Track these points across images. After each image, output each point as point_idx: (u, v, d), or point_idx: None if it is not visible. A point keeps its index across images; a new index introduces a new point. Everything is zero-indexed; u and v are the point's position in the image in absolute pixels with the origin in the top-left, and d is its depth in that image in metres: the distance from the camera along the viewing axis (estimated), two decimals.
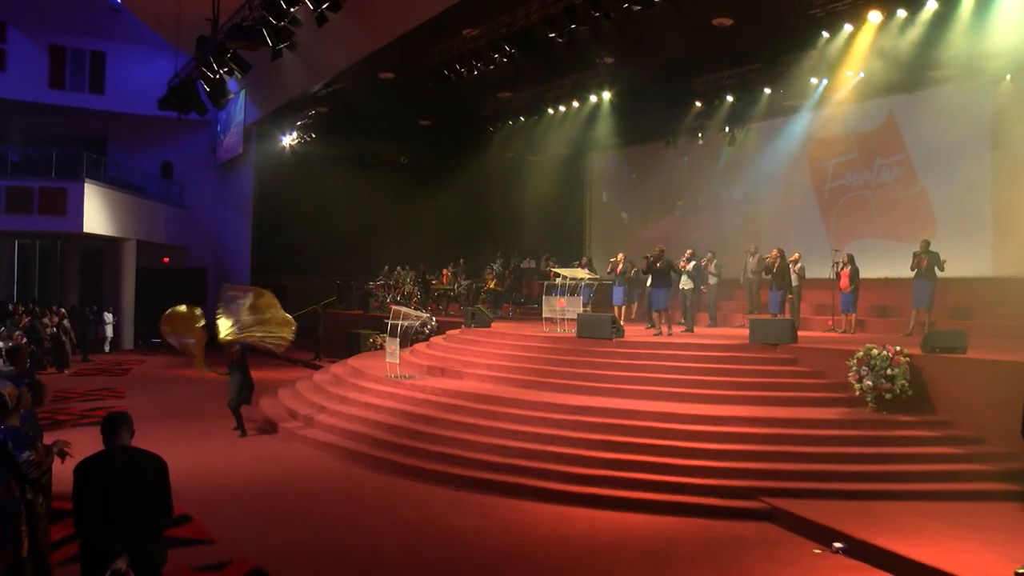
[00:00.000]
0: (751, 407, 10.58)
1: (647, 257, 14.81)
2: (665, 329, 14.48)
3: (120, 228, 26.25)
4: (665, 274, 14.45)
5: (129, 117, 29.09)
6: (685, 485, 8.93)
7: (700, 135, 22.79)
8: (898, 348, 10.47)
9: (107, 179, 26.19)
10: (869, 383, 10.33)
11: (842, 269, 15.50)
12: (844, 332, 15.33)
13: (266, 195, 27.58)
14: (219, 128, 29.63)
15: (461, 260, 24.95)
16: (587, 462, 9.51)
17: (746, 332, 15.42)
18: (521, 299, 23.87)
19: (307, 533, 7.91)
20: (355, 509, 8.70)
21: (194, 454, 11.08)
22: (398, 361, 13.28)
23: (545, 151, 26.07)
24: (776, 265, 15.76)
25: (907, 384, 10.22)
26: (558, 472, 9.40)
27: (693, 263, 16.15)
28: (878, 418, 10.12)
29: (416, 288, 24.08)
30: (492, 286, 23.38)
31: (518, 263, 25.04)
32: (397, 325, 13.28)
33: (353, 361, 15.91)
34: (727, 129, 22.08)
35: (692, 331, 15.29)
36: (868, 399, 10.39)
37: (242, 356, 12.91)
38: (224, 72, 14.21)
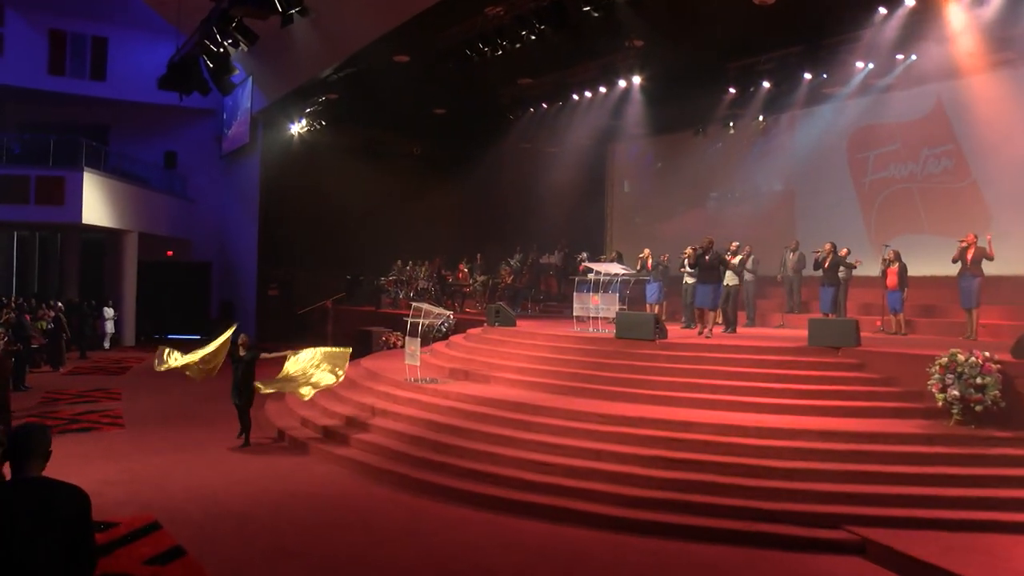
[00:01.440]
0: (819, 418, 9.36)
1: (694, 248, 13.57)
2: (713, 329, 13.28)
3: (121, 219, 25.10)
4: (714, 268, 13.21)
5: (131, 105, 28.03)
6: (757, 511, 7.71)
7: (731, 124, 21.65)
8: (987, 354, 9.25)
9: (108, 169, 25.04)
10: (956, 393, 9.10)
11: (889, 266, 14.33)
12: (895, 333, 14.14)
13: (273, 186, 26.39)
14: (225, 116, 28.49)
15: (479, 255, 23.79)
16: (641, 482, 8.30)
17: (790, 332, 14.35)
18: (540, 296, 22.69)
19: (320, 572, 6.69)
20: (376, 541, 7.44)
21: (192, 468, 9.89)
22: (419, 363, 12.06)
23: (565, 142, 24.84)
24: (828, 260, 14.55)
25: (999, 395, 9.00)
26: (608, 494, 8.18)
27: (739, 257, 14.96)
28: (968, 433, 8.87)
29: (431, 284, 22.92)
30: (509, 281, 22.19)
31: (536, 258, 23.86)
32: (418, 323, 12.07)
33: (367, 362, 14.71)
34: (760, 118, 20.92)
35: (735, 331, 14.10)
36: (953, 411, 9.16)
37: (251, 356, 11.66)
38: (228, 44, 12.96)
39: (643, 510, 7.90)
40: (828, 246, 14.84)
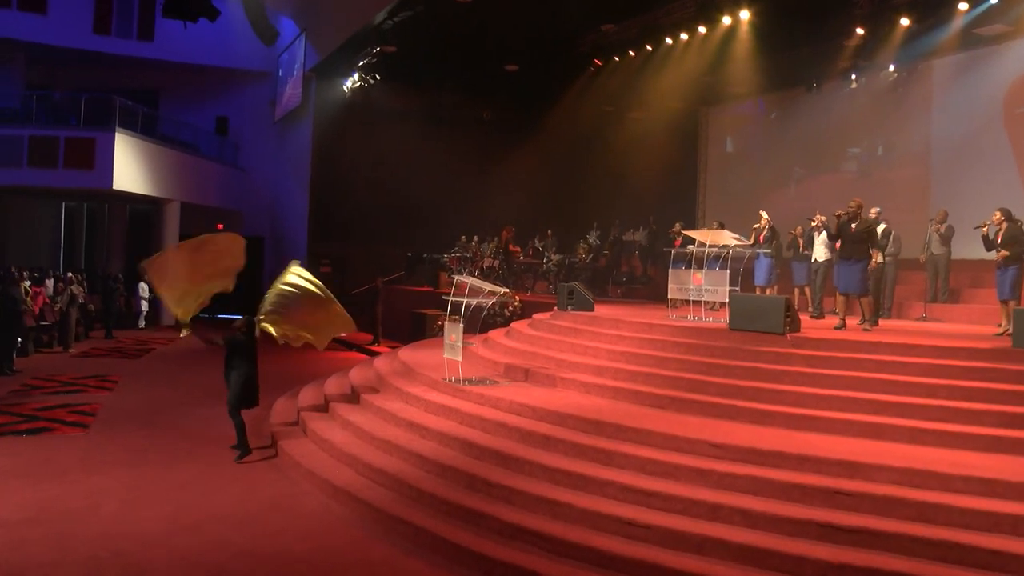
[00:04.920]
0: None
1: (838, 215, 10.21)
2: (847, 322, 9.99)
3: (160, 187, 22.92)
4: (862, 242, 9.88)
5: (181, 67, 26.09)
6: None
7: (854, 77, 17.99)
8: None
9: (147, 131, 22.88)
10: None
11: None
12: None
13: (326, 152, 23.91)
14: (280, 74, 26.12)
15: (549, 232, 20.83)
16: (791, 566, 5.15)
17: (949, 328, 10.89)
18: (623, 277, 19.57)
19: None
20: None
21: (138, 497, 7.10)
22: (461, 358, 9.07)
23: (652, 105, 21.61)
24: (1002, 232, 10.95)
25: None
26: None
27: (882, 227, 11.61)
28: None
29: (497, 261, 20.03)
30: (587, 261, 19.14)
31: (619, 235, 20.73)
32: (462, 304, 9.10)
33: (405, 353, 11.83)
34: (891, 68, 17.26)
35: (876, 324, 10.71)
36: None
37: (250, 334, 8.96)
38: None
39: None
40: (998, 215, 11.21)
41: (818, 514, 5.48)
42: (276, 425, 9.58)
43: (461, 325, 8.98)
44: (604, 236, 20.40)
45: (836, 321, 10.16)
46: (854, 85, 18.15)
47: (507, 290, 11.29)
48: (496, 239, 20.58)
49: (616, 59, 19.52)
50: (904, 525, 5.28)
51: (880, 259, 11.30)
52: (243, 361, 8.77)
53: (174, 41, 25.43)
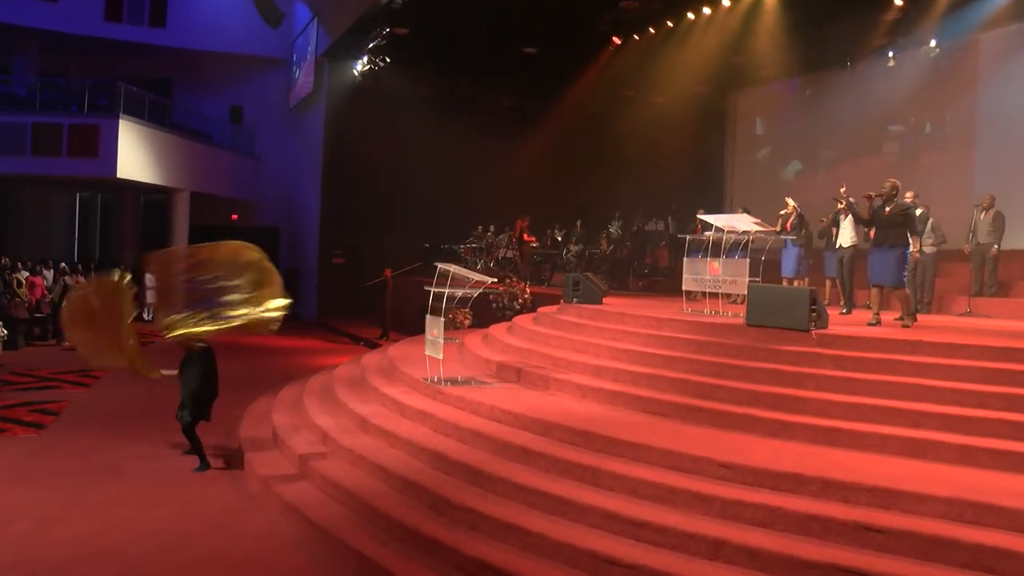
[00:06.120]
0: None
1: (870, 196, 9.04)
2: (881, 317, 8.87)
3: (168, 176, 22.27)
4: (898, 227, 8.71)
5: (194, 55, 25.47)
6: None
7: (891, 54, 16.78)
8: None
9: (156, 119, 22.23)
10: None
11: None
12: None
13: (339, 139, 23.15)
14: (295, 57, 25.44)
15: (579, 222, 19.86)
16: None
17: (999, 326, 9.67)
18: (645, 269, 18.53)
19: None
20: None
21: (65, 510, 6.28)
22: (441, 355, 8.10)
23: (675, 88, 20.53)
24: None
25: None
26: None
27: (920, 211, 10.45)
28: None
29: (513, 252, 19.09)
30: (608, 252, 18.15)
31: (642, 224, 19.66)
32: (443, 295, 8.15)
33: (395, 349, 10.91)
34: (932, 43, 16.03)
35: (915, 320, 9.54)
36: None
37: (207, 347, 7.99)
38: None
39: None
40: None
41: (844, 556, 4.42)
42: (246, 428, 8.70)
43: (441, 319, 8.03)
44: (627, 226, 19.40)
45: (869, 317, 9.04)
46: (891, 63, 16.99)
47: (494, 279, 10.20)
48: (511, 230, 19.66)
49: (636, 37, 18.51)
50: (956, 575, 4.23)
51: (918, 247, 10.15)
52: (198, 371, 7.81)
53: (187, 27, 25.06)
